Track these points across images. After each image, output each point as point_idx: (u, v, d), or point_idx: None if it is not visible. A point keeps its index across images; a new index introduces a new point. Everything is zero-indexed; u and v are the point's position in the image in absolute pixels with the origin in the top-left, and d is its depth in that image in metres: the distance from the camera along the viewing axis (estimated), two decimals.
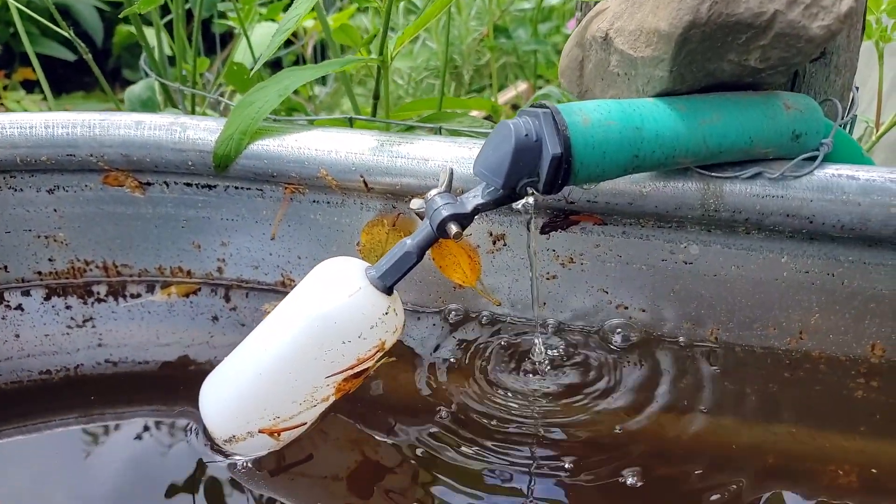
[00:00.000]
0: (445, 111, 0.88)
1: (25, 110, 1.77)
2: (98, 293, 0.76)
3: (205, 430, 0.57)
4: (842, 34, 0.62)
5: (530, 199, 0.56)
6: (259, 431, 0.55)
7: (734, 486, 0.55)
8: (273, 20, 1.23)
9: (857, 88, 0.69)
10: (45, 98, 1.82)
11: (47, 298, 0.75)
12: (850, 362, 0.65)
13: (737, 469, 0.57)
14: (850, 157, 0.61)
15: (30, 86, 1.93)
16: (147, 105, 0.96)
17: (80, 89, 2.06)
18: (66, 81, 2.02)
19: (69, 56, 1.95)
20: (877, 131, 0.87)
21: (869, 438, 0.60)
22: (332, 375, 0.55)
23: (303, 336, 0.54)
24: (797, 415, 0.62)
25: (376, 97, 0.84)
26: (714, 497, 0.54)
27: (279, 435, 0.56)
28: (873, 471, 0.57)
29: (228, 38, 1.79)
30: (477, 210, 0.56)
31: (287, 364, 0.54)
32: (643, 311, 0.68)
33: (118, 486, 0.58)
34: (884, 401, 0.62)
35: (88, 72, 2.12)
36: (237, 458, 0.57)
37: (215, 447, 0.58)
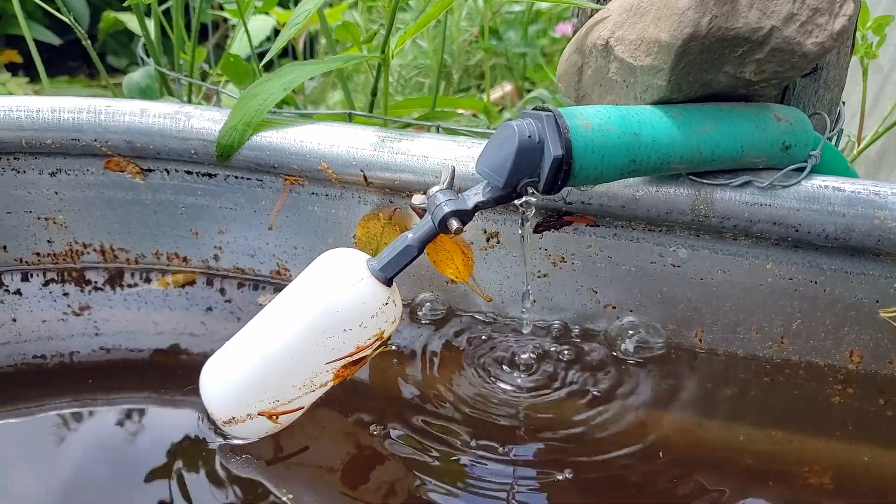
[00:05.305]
0: (441, 110, 0.89)
1: (10, 93, 1.76)
2: (96, 282, 0.76)
3: (205, 412, 0.58)
4: (833, 51, 0.65)
5: (530, 199, 0.57)
6: (258, 414, 0.56)
7: (713, 486, 0.57)
8: (267, 13, 1.23)
9: (844, 103, 0.71)
10: (30, 81, 1.81)
11: (45, 285, 0.76)
12: (829, 368, 0.67)
13: (715, 469, 0.59)
14: (837, 169, 0.64)
15: (13, 68, 1.92)
16: (146, 93, 0.96)
17: (63, 73, 2.05)
18: (50, 65, 2.00)
19: (55, 40, 1.93)
20: (858, 145, 0.90)
21: (843, 443, 0.62)
22: (331, 362, 0.56)
23: (306, 323, 0.55)
24: (775, 418, 0.64)
25: (374, 93, 0.85)
26: (694, 497, 0.56)
27: (277, 418, 0.57)
28: (846, 473, 0.59)
29: (215, 27, 1.79)
30: (478, 207, 0.57)
31: (289, 349, 0.55)
32: (631, 311, 0.70)
33: (112, 471, 0.58)
34: (858, 407, 0.65)
35: (72, 56, 2.10)
36: (236, 440, 0.58)
37: (217, 430, 0.59)
